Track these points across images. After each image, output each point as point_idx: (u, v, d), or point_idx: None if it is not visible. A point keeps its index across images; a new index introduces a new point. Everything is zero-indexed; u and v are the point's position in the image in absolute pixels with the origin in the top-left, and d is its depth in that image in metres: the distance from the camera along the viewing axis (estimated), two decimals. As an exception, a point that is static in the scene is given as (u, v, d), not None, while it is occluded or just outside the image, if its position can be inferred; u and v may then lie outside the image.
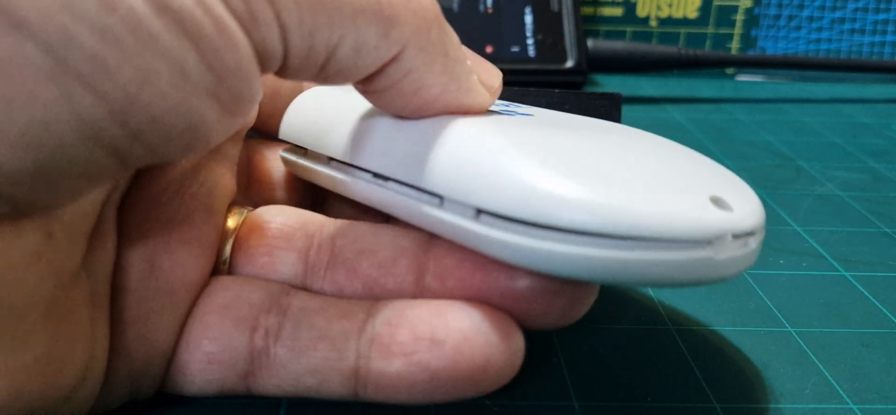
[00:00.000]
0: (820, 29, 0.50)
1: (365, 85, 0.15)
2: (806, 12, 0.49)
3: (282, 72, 0.13)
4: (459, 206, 0.14)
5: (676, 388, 0.17)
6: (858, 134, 0.39)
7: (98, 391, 0.14)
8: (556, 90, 0.26)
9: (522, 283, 0.14)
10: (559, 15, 0.37)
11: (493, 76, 0.17)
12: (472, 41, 0.35)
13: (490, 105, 0.17)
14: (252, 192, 0.20)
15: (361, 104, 0.18)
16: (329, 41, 0.13)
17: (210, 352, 0.15)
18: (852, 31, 0.49)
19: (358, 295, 0.16)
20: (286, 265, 0.17)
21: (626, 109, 0.41)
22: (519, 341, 0.15)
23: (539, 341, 0.19)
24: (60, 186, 0.11)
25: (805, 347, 0.19)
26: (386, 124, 0.16)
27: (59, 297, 0.13)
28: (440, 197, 0.15)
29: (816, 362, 0.19)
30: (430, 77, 0.15)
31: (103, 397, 0.15)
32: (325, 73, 0.14)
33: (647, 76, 0.48)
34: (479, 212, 0.14)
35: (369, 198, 0.17)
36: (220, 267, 0.17)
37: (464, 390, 0.14)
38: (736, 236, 0.13)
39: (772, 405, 0.17)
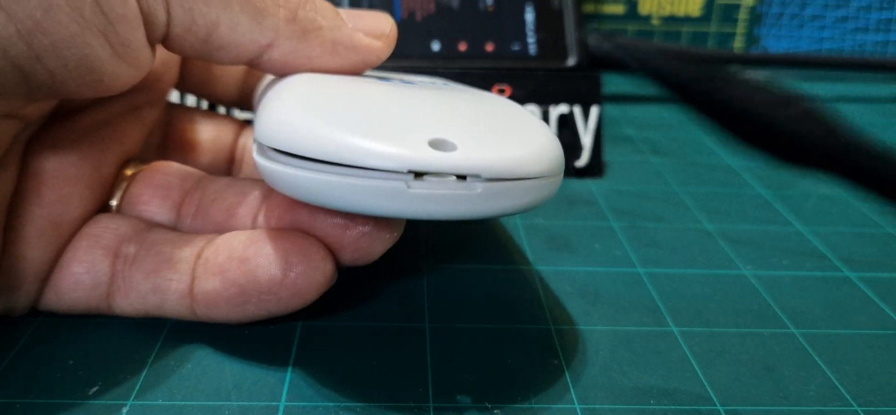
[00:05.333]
0: (823, 27, 0.49)
1: (262, 68, 0.18)
2: (809, 10, 0.49)
3: (169, 40, 0.16)
4: (257, 144, 0.17)
5: (679, 390, 0.17)
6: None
7: None
8: (542, 72, 0.30)
9: (319, 218, 0.17)
10: (560, 13, 0.36)
11: (380, 25, 0.19)
12: (473, 39, 0.35)
13: (386, 51, 0.19)
14: (164, 152, 0.23)
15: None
16: (208, 18, 0.16)
17: (77, 273, 0.18)
18: (856, 29, 0.49)
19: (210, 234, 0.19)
20: (162, 212, 0.20)
21: (629, 108, 0.41)
22: (322, 264, 0.17)
23: (540, 343, 0.19)
24: None
25: (809, 348, 0.19)
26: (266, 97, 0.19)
27: None
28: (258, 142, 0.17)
29: (821, 363, 0.18)
30: (313, 50, 0.18)
31: None
32: (209, 47, 0.17)
33: (649, 74, 0.48)
34: (260, 146, 0.16)
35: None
36: (110, 209, 0.20)
37: (268, 304, 0.17)
38: (439, 174, 0.15)
39: (775, 408, 0.17)
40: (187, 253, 0.18)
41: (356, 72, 0.19)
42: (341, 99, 0.16)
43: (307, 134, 0.15)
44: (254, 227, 0.19)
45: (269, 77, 0.21)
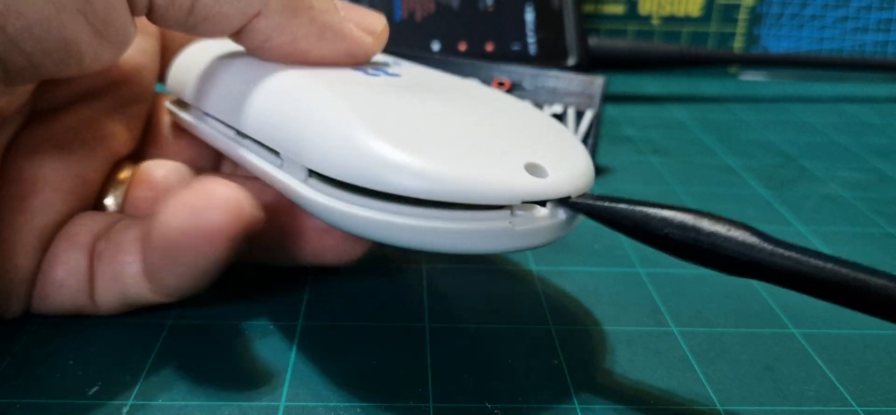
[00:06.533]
0: (823, 27, 0.49)
1: (243, 40, 0.17)
2: (809, 10, 0.49)
3: (152, 14, 0.16)
4: (294, 165, 0.15)
5: (679, 391, 0.17)
6: (862, 133, 0.38)
7: None
8: (542, 70, 0.30)
9: (302, 222, 0.17)
10: (560, 13, 0.36)
11: (373, 22, 0.19)
12: (473, 39, 0.35)
13: (375, 49, 0.19)
14: (148, 143, 0.22)
15: (236, 61, 0.18)
16: None
17: (61, 277, 0.17)
18: (856, 29, 0.49)
19: None
20: None
21: (629, 108, 0.41)
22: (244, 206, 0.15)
23: (540, 343, 0.19)
24: None
25: (809, 349, 0.19)
26: (249, 83, 0.17)
27: None
28: (279, 155, 0.16)
29: (820, 363, 0.18)
30: (300, 29, 0.17)
31: None
32: (194, 20, 0.16)
33: (649, 75, 0.48)
34: (311, 173, 0.15)
35: (232, 154, 0.18)
36: (104, 209, 0.19)
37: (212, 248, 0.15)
38: (545, 202, 0.14)
39: (775, 408, 0.17)
40: (135, 232, 0.17)
41: (340, 63, 0.18)
42: (402, 114, 0.15)
43: (417, 172, 0.13)
44: None
45: (205, 50, 0.20)
